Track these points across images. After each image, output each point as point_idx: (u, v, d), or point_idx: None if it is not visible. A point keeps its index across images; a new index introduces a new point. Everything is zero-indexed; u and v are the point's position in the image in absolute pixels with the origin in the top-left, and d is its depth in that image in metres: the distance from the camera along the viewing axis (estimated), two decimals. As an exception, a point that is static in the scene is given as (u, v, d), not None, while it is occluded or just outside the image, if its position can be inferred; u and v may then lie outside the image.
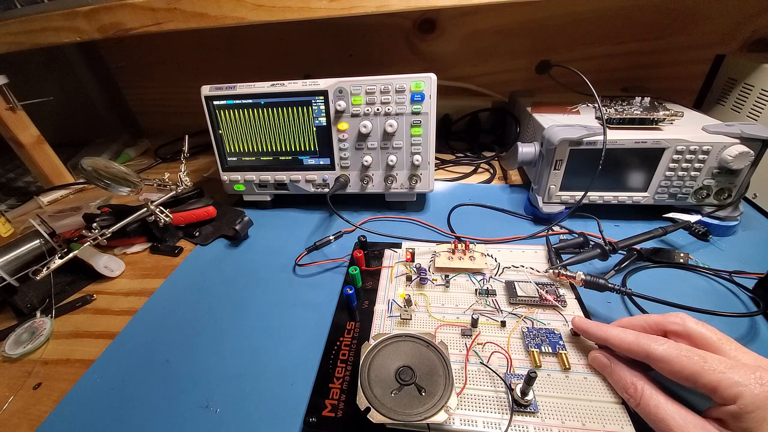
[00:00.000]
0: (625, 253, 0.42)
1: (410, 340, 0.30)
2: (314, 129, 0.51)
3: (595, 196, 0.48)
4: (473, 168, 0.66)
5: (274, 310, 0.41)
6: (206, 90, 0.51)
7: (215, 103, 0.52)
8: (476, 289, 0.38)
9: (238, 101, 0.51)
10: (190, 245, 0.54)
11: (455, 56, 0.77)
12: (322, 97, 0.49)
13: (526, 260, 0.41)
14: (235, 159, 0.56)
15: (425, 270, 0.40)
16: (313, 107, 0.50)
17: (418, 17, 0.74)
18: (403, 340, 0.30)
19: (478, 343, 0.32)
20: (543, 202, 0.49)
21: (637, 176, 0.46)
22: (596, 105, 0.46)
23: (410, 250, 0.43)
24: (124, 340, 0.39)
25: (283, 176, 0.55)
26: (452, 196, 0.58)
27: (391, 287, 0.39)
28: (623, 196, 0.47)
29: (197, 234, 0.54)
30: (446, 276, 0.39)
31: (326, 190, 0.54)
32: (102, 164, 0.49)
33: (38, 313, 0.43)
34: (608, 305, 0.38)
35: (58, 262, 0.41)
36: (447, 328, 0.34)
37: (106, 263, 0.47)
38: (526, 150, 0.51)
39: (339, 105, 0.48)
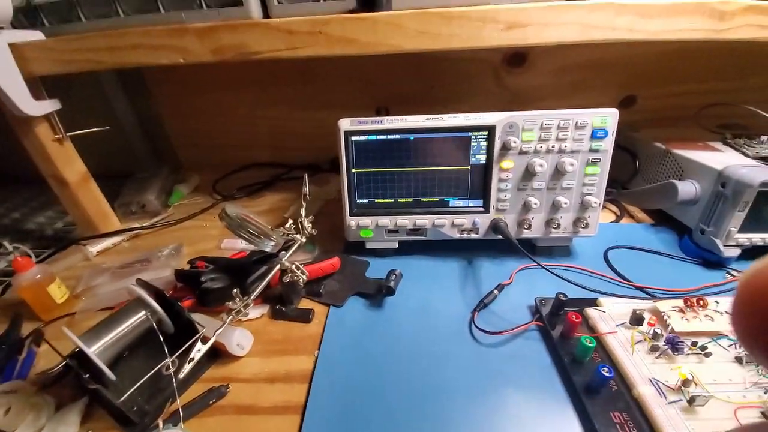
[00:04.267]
0: None
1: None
2: (469, 168, 0.45)
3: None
4: (592, 205, 0.63)
5: (482, 398, 0.33)
6: (346, 124, 0.44)
7: (354, 138, 0.45)
8: (736, 356, 0.32)
9: (382, 136, 0.44)
10: (317, 306, 0.44)
11: (541, 89, 0.76)
12: (485, 133, 0.44)
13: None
14: (365, 201, 0.48)
15: (675, 337, 0.34)
16: (473, 144, 0.44)
17: (510, 51, 0.72)
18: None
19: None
20: (724, 245, 0.45)
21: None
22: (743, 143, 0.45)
23: (649, 312, 0.36)
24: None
25: (425, 221, 0.47)
26: (591, 239, 0.53)
27: (635, 361, 0.33)
28: (805, 237, 0.45)
29: (322, 291, 0.45)
30: (694, 342, 0.33)
31: (474, 235, 0.48)
32: (243, 214, 0.39)
33: (161, 423, 0.32)
34: None
35: (203, 348, 0.31)
36: (746, 411, 0.28)
37: (238, 340, 0.36)
38: (686, 189, 0.48)
39: (508, 141, 0.43)
